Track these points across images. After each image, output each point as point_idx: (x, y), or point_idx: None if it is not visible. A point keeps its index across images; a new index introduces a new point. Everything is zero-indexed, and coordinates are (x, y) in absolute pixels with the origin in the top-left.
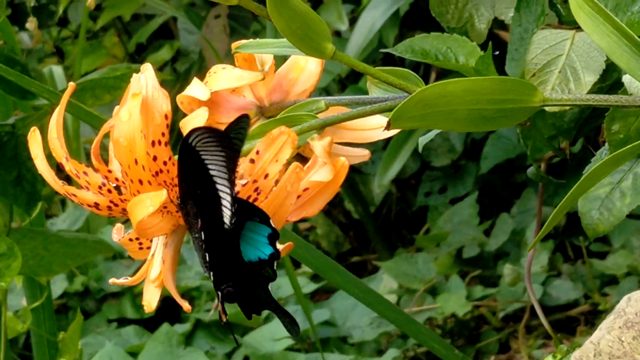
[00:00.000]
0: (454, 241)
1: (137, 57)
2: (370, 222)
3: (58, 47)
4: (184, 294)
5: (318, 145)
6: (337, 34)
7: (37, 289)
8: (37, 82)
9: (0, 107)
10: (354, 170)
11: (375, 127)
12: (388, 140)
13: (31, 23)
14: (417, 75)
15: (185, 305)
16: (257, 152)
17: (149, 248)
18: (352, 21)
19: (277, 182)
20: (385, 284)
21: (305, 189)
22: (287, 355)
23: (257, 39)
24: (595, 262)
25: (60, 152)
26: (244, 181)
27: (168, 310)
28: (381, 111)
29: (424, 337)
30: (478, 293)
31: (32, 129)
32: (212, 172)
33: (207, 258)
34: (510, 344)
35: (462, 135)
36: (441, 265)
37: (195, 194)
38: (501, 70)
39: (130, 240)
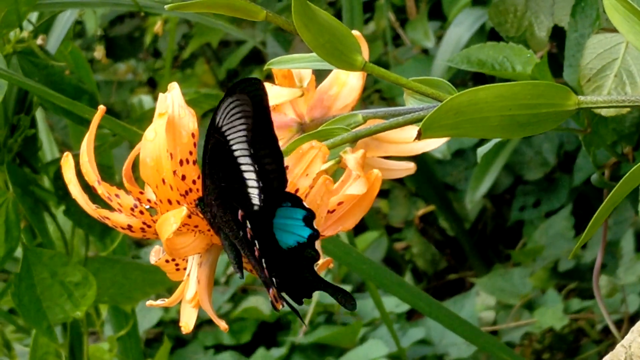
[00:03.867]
0: (550, 254)
1: (229, 83)
2: (465, 239)
3: (152, 78)
4: (281, 318)
5: (351, 158)
6: (425, 51)
7: (122, 317)
8: (85, 107)
9: (76, 137)
10: (447, 187)
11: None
12: None
13: (99, 52)
14: (449, 84)
15: (222, 324)
16: (287, 167)
17: (185, 269)
18: (440, 39)
19: (307, 196)
20: (482, 300)
21: (340, 203)
22: None
23: (290, 55)
24: None
25: (92, 175)
26: None
27: (264, 334)
28: (414, 121)
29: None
30: (575, 306)
31: (65, 154)
32: (236, 153)
33: (258, 246)
34: None
35: (555, 148)
36: (537, 280)
37: (221, 188)
38: (560, 78)
39: (167, 261)
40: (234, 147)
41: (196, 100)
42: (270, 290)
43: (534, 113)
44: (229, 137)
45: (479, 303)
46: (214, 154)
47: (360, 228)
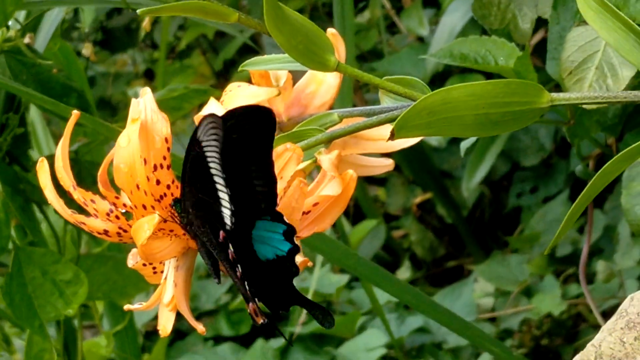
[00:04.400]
0: (547, 240)
1: (225, 73)
2: (463, 226)
3: (149, 69)
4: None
5: (325, 159)
6: (421, 39)
7: (119, 313)
8: (69, 108)
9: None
10: (444, 174)
11: None
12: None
13: (87, 49)
14: (423, 83)
15: (200, 327)
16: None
17: (162, 272)
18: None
19: (281, 199)
20: (480, 287)
21: (315, 204)
22: None
23: (264, 56)
24: None
25: (67, 181)
26: None
27: (263, 325)
28: (388, 121)
29: (497, 351)
30: (573, 291)
31: (40, 159)
32: (212, 171)
33: (240, 268)
34: None
35: (551, 133)
36: (535, 266)
37: (199, 199)
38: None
39: (144, 265)
40: (210, 165)
41: (186, 95)
42: (250, 305)
43: (507, 111)
44: (206, 154)
45: (477, 290)
46: (194, 165)
47: (358, 216)
